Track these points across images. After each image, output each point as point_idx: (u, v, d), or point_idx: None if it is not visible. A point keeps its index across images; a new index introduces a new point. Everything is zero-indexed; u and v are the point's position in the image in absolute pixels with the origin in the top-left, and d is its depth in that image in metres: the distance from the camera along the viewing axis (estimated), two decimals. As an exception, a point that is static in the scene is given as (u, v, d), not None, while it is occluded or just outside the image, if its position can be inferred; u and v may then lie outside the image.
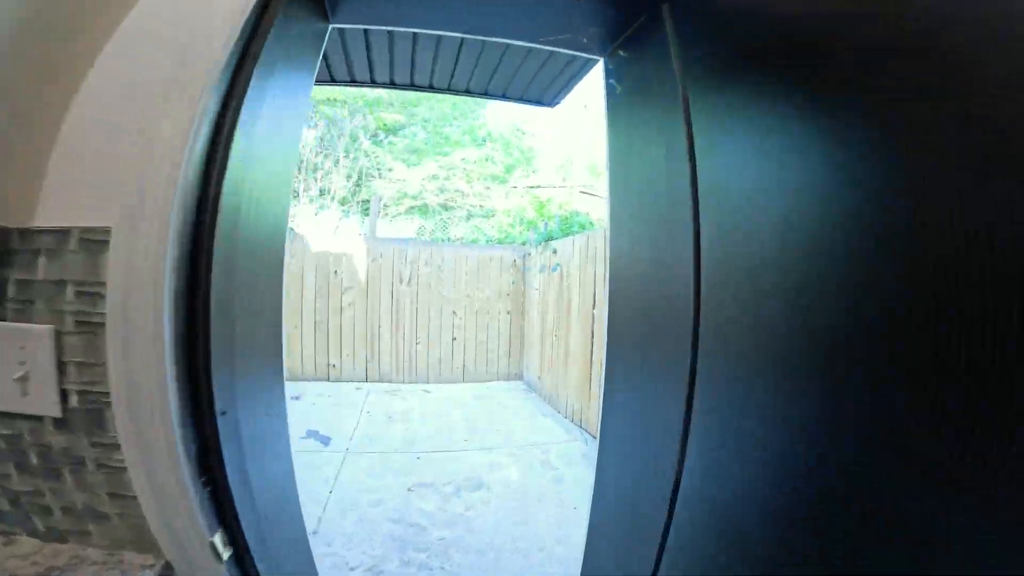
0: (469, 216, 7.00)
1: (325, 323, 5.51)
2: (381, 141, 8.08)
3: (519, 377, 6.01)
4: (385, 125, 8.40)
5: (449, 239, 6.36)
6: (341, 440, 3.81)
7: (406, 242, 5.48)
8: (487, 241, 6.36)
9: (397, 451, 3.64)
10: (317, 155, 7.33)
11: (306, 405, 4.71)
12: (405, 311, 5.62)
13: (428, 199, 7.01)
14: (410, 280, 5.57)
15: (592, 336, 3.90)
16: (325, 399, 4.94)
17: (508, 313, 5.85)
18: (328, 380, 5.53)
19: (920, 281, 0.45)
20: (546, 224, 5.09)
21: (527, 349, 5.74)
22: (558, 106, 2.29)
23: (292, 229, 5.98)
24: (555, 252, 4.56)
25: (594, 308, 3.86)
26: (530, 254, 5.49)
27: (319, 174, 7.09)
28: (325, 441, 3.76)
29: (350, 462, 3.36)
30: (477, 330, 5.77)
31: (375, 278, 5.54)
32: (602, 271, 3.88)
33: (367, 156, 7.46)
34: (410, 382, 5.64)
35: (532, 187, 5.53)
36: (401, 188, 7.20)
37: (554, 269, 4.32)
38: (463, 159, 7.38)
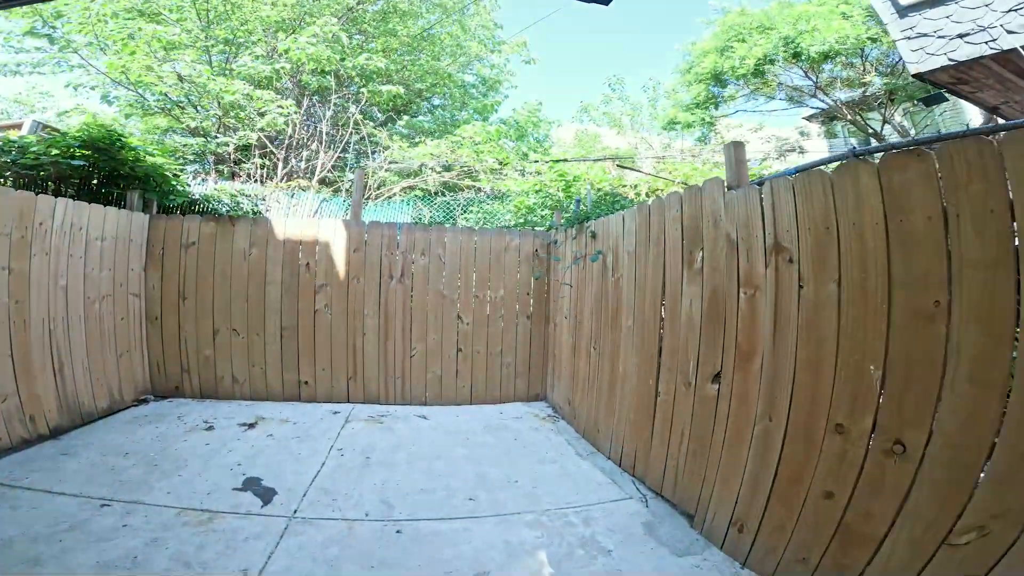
0: (477, 200, 5.88)
1: (294, 329, 4.44)
2: (376, 117, 7.04)
3: (542, 397, 4.85)
4: (382, 99, 7.38)
5: (453, 223, 5.25)
6: (290, 496, 2.70)
7: (398, 227, 4.37)
8: (501, 226, 5.24)
9: (368, 518, 2.54)
10: (299, 130, 6.30)
11: (259, 437, 3.62)
12: (396, 314, 4.51)
13: (429, 179, 5.92)
14: (403, 275, 4.46)
15: (659, 352, 2.70)
16: (288, 428, 3.90)
17: (528, 318, 4.71)
18: (299, 400, 4.56)
19: None
20: (578, 201, 3.94)
21: (553, 364, 4.57)
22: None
23: (254, 212, 4.96)
24: (593, 236, 3.41)
25: (663, 310, 2.67)
26: (556, 242, 4.35)
27: (302, 152, 6.05)
28: (266, 497, 2.64)
29: (292, 539, 2.26)
30: (489, 339, 4.64)
31: (358, 272, 4.46)
32: (680, 257, 2.67)
33: (357, 131, 6.42)
34: (402, 403, 4.54)
35: (556, 161, 4.39)
36: (398, 167, 6.13)
37: (593, 259, 3.19)
38: (472, 135, 6.29)
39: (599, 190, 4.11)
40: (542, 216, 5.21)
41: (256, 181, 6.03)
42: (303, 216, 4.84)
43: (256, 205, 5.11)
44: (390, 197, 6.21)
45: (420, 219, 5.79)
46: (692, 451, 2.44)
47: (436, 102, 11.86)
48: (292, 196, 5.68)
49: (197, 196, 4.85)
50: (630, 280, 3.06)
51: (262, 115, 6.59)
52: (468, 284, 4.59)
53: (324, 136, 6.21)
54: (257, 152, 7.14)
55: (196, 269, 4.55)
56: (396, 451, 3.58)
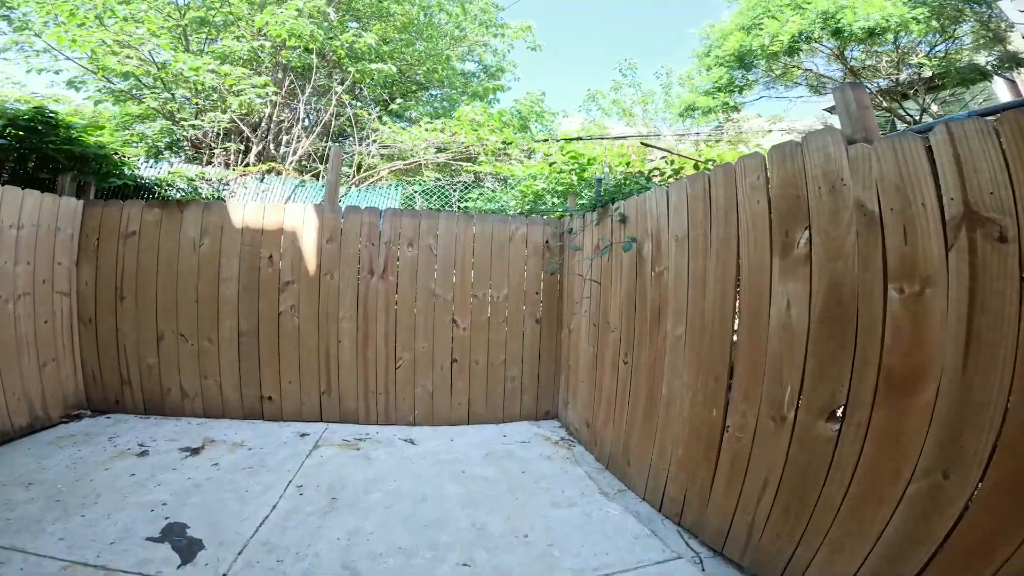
0: (478, 184, 5.19)
1: (253, 334, 3.75)
2: (365, 97, 6.37)
3: (553, 416, 4.15)
4: (372, 79, 6.72)
5: (448, 208, 4.56)
6: (220, 553, 2.08)
7: (381, 214, 3.66)
8: (505, 209, 4.55)
9: (321, 596, 1.80)
10: (280, 113, 5.63)
11: (201, 466, 2.97)
12: (378, 317, 3.81)
13: (422, 162, 5.22)
14: (386, 270, 3.77)
15: (730, 371, 1.98)
16: (240, 455, 3.30)
17: (537, 322, 4.01)
18: (261, 419, 3.91)
19: None
20: (599, 180, 3.25)
21: (568, 377, 3.86)
22: None
23: (215, 197, 4.28)
24: (623, 220, 2.72)
25: (736, 314, 1.95)
26: (572, 230, 3.66)
27: (282, 136, 5.38)
28: (187, 552, 1.97)
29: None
30: (490, 347, 3.94)
31: (332, 267, 3.76)
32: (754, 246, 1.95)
33: (342, 112, 5.76)
34: (386, 423, 3.86)
35: (568, 140, 3.70)
36: (388, 152, 5.45)
37: (626, 248, 2.50)
38: (472, 116, 5.60)
39: (618, 173, 3.39)
40: (553, 204, 4.51)
41: (225, 166, 5.35)
42: (266, 200, 4.12)
43: (218, 191, 4.43)
44: (375, 182, 5.52)
45: (411, 205, 5.09)
46: (783, 506, 1.73)
47: (434, 92, 11.24)
48: (262, 181, 4.98)
49: (147, 180, 4.15)
50: (680, 274, 2.36)
51: (237, 95, 5.92)
52: (465, 281, 3.90)
53: (302, 117, 5.53)
54: (235, 137, 6.46)
55: (137, 263, 3.86)
56: (371, 488, 2.87)
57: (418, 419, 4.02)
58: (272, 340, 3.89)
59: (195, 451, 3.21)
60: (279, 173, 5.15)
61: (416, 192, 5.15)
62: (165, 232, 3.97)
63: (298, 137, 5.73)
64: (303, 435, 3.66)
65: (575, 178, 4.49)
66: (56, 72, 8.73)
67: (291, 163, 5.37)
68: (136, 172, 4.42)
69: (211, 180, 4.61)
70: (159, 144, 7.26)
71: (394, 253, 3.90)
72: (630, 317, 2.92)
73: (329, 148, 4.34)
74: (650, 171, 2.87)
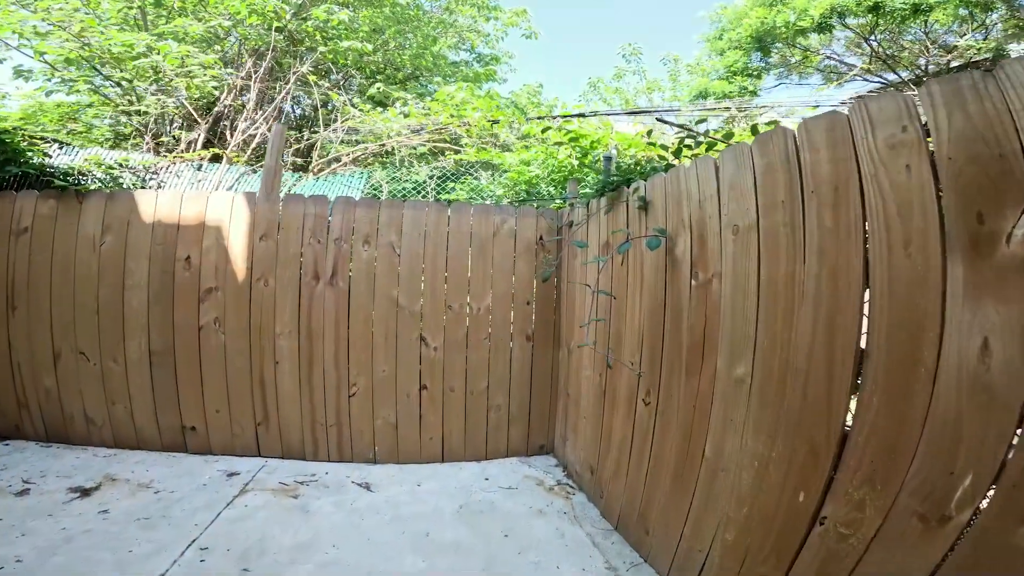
0: (463, 174, 4.33)
1: (169, 353, 2.94)
2: (340, 81, 5.53)
3: (548, 450, 3.35)
4: (345, 58, 5.87)
5: (417, 196, 3.72)
6: None
7: (330, 204, 2.81)
8: (492, 200, 3.72)
9: None
10: (234, 94, 4.78)
11: (85, 514, 2.56)
12: (326, 334, 2.96)
13: (395, 145, 4.37)
14: (335, 275, 2.89)
15: (840, 440, 1.09)
16: (141, 499, 2.65)
17: (528, 339, 3.17)
18: (184, 451, 3.20)
19: None
20: (608, 159, 2.41)
21: (567, 406, 3.06)
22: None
23: (132, 187, 3.46)
24: (644, 205, 1.88)
25: (859, 355, 1.03)
26: (573, 223, 2.81)
27: (231, 118, 4.52)
28: None
29: None
30: (469, 371, 3.12)
31: (266, 271, 2.92)
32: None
33: (308, 93, 4.91)
34: (339, 460, 3.14)
35: (566, 117, 2.86)
36: (360, 136, 4.60)
37: (651, 244, 1.62)
38: (456, 94, 4.75)
39: (628, 158, 2.54)
40: (549, 193, 3.66)
41: (166, 153, 4.49)
42: (195, 192, 3.29)
43: (144, 181, 3.60)
44: (334, 171, 4.66)
45: (376, 189, 4.24)
46: None
47: (423, 83, 10.39)
48: (200, 169, 4.13)
49: (56, 169, 3.34)
50: (741, 285, 1.55)
51: (185, 76, 5.06)
52: (437, 288, 3.07)
53: (253, 98, 4.68)
54: (192, 125, 5.60)
55: (29, 265, 3.06)
56: (300, 558, 2.10)
57: (380, 456, 3.24)
58: (192, 360, 3.08)
59: (86, 492, 2.56)
60: (233, 162, 4.29)
61: (384, 180, 4.30)
62: (61, 228, 3.17)
63: (253, 122, 4.87)
64: (231, 475, 2.95)
65: (576, 163, 3.64)
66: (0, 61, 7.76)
67: (232, 147, 4.50)
68: (45, 160, 3.58)
69: (136, 168, 3.76)
70: (111, 135, 6.37)
71: (346, 253, 3.06)
72: (655, 343, 2.09)
73: (270, 129, 3.50)
74: (680, 141, 2.01)
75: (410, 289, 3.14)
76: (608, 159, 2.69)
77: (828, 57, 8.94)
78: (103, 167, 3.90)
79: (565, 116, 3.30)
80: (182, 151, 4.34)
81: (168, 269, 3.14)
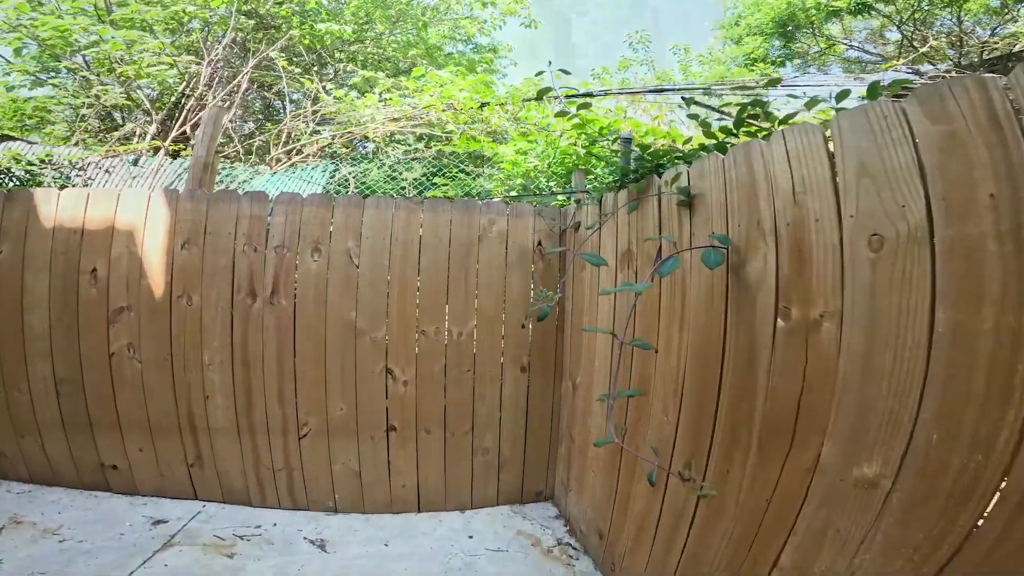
0: (444, 167, 3.64)
1: (77, 383, 2.30)
2: (306, 63, 4.87)
3: (545, 496, 2.69)
4: (322, 42, 5.20)
5: (383, 192, 3.05)
6: None
7: (271, 203, 2.10)
8: (479, 196, 3.05)
9: None
10: (193, 83, 4.13)
11: None
12: (267, 365, 2.30)
13: (369, 133, 3.68)
14: (276, 291, 2.19)
15: None
16: (46, 548, 2.17)
17: (523, 369, 2.50)
18: (108, 490, 2.67)
19: None
20: (627, 140, 1.72)
21: (572, 452, 2.40)
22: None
23: (61, 184, 2.87)
24: (687, 201, 1.17)
25: None
26: (580, 224, 2.11)
27: (195, 110, 3.87)
28: None
29: None
30: (449, 410, 2.47)
31: (191, 286, 2.22)
32: None
33: (272, 77, 4.25)
34: (292, 507, 2.49)
35: (572, 97, 2.14)
36: (334, 126, 3.93)
37: (711, 262, 0.89)
38: (444, 79, 4.07)
39: (643, 146, 1.86)
40: (549, 188, 2.97)
41: (110, 148, 3.82)
42: (104, 189, 2.62)
43: (68, 179, 2.96)
44: (295, 165, 3.97)
45: (341, 184, 3.55)
46: None
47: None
48: (136, 164, 3.47)
49: None
50: (890, 333, 0.93)
51: (138, 64, 4.39)
52: (407, 309, 2.41)
53: (205, 83, 4.00)
54: (142, 117, 4.93)
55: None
56: None
57: (341, 504, 2.69)
58: (104, 392, 2.53)
59: None
60: (164, 152, 3.62)
61: (351, 175, 3.61)
62: (-57, 234, 2.49)
63: (205, 108, 4.19)
64: (157, 523, 2.43)
65: (582, 152, 2.96)
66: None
67: (172, 138, 3.83)
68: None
69: (61, 165, 3.12)
70: (69, 131, 5.68)
71: (290, 264, 2.38)
72: (703, 401, 1.44)
73: (207, 115, 2.81)
74: (742, 110, 1.32)
75: (372, 309, 2.47)
76: (627, 140, 2.03)
77: (852, 47, 8.24)
78: (22, 163, 3.25)
79: (570, 96, 2.66)
80: (114, 144, 3.67)
81: (71, 284, 2.49)
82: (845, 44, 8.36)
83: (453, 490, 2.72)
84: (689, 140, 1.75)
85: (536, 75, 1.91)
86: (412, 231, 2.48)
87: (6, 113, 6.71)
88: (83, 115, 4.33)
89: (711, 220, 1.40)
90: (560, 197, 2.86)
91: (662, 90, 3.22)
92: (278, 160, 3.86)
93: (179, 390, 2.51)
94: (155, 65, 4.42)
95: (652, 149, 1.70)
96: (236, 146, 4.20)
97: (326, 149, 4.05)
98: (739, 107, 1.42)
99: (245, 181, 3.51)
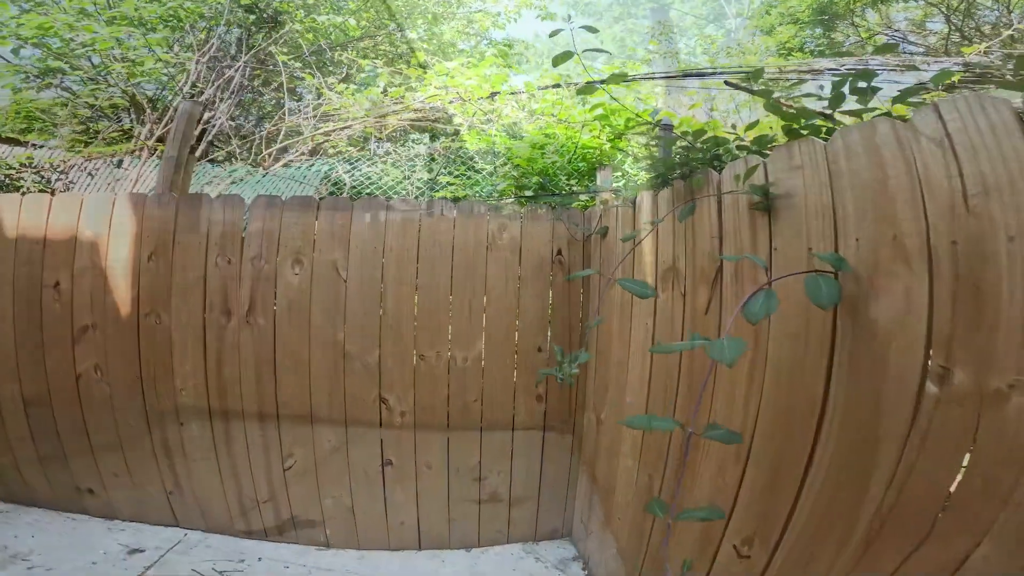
0: (451, 164, 3.29)
1: (45, 404, 2.02)
2: (307, 57, 4.58)
3: (561, 534, 2.30)
4: (325, 35, 4.90)
5: (380, 194, 2.72)
6: None
7: (246, 208, 1.73)
8: (487, 197, 2.70)
9: None
10: (183, 78, 3.89)
11: None
12: (244, 391, 1.90)
13: (360, 126, 3.35)
14: (252, 309, 1.84)
15: None
16: (13, 574, 1.95)
17: (540, 399, 2.09)
18: (86, 513, 2.44)
19: None
20: (668, 126, 1.31)
21: (593, 490, 2.00)
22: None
23: (41, 188, 2.64)
24: (764, 202, 1.13)
25: None
26: (607, 230, 1.71)
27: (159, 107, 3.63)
28: None
29: None
30: (452, 441, 2.08)
31: (158, 303, 1.89)
32: None
33: (273, 74, 3.97)
34: (279, 539, 2.04)
35: (594, 84, 1.73)
36: (330, 123, 3.61)
37: (824, 297, 0.74)
38: (451, 70, 3.71)
39: (696, 130, 1.46)
40: (569, 188, 2.59)
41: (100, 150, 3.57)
42: (69, 195, 2.29)
43: (50, 182, 2.72)
44: (287, 165, 3.64)
45: (336, 185, 3.22)
46: None
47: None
48: (120, 166, 3.20)
49: None
50: None
51: (123, 61, 4.15)
52: (403, 330, 2.03)
53: (192, 80, 3.71)
54: (127, 117, 4.69)
55: None
56: None
57: (333, 540, 2.41)
58: (73, 415, 2.32)
59: None
60: (148, 153, 3.34)
61: (347, 172, 3.26)
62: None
63: (217, 113, 3.90)
64: (133, 551, 2.20)
65: (607, 145, 2.57)
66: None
67: (147, 135, 3.54)
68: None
69: (41, 168, 2.87)
70: (52, 128, 5.49)
71: (267, 277, 2.03)
72: (779, 474, 1.05)
73: (176, 110, 2.48)
74: (846, 89, 0.92)
75: (363, 331, 2.11)
76: (668, 127, 1.64)
77: (894, 37, 7.62)
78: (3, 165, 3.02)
79: (591, 82, 2.28)
80: (98, 145, 3.41)
81: (34, 299, 2.22)
82: (886, 35, 7.75)
83: (458, 527, 2.39)
84: (753, 125, 1.35)
85: (551, 35, 1.52)
86: (408, 239, 2.12)
87: (9, 116, 6.58)
88: (76, 116, 4.11)
89: (805, 232, 1.00)
90: (583, 197, 2.47)
91: (704, 74, 2.79)
92: (272, 158, 3.54)
93: (151, 415, 2.23)
94: (143, 63, 4.17)
95: (707, 136, 1.31)
96: (233, 146, 3.92)
97: (325, 147, 3.74)
98: (837, 80, 1.02)
99: (234, 183, 3.22)
